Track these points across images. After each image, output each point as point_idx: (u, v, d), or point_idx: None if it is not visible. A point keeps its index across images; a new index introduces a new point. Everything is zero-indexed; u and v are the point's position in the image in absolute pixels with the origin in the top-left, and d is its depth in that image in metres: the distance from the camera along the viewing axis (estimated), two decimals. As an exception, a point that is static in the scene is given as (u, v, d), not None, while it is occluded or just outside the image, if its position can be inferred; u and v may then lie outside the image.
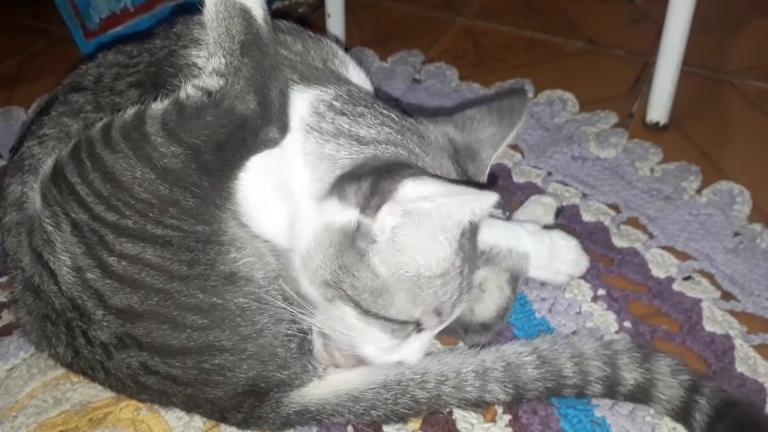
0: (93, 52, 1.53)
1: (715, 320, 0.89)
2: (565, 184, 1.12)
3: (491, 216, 0.97)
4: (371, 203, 0.64)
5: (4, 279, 1.06)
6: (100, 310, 0.70)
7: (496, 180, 1.12)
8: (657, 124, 1.21)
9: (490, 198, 0.62)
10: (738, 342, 0.86)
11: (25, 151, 0.80)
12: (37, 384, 0.89)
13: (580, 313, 0.92)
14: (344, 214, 0.66)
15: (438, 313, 0.70)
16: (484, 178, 0.78)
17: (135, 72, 0.79)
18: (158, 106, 0.68)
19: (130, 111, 0.69)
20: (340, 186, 0.67)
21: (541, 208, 1.03)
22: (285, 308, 0.73)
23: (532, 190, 1.11)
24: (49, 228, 0.71)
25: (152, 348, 0.71)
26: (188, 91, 0.68)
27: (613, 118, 1.24)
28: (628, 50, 1.43)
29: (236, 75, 0.67)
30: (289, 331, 0.74)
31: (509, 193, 1.12)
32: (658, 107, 1.20)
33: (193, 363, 0.71)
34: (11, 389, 0.89)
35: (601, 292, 0.94)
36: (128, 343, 0.71)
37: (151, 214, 0.67)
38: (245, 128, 0.67)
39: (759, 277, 0.94)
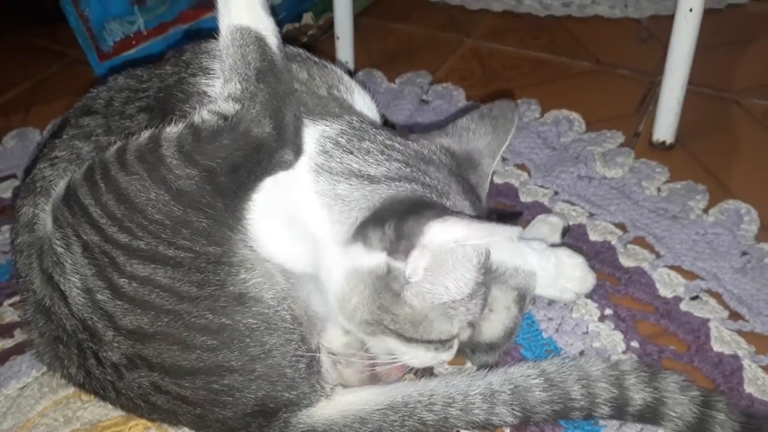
0: (106, 74, 1.57)
1: (723, 340, 0.89)
2: (572, 204, 1.13)
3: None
4: (399, 248, 0.66)
5: (16, 299, 1.07)
6: (111, 331, 0.71)
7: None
8: (663, 143, 1.21)
9: (515, 232, 0.66)
10: (746, 362, 0.86)
11: (36, 174, 0.81)
12: (48, 403, 0.90)
13: (587, 333, 0.92)
14: (372, 258, 0.68)
15: (471, 324, 0.75)
16: (486, 186, 0.80)
17: (145, 97, 0.80)
18: (173, 130, 0.70)
19: (145, 134, 0.71)
20: (363, 232, 0.68)
21: (548, 227, 1.03)
22: (294, 329, 0.74)
23: (539, 209, 1.12)
24: (60, 250, 0.72)
25: (162, 368, 0.71)
26: (204, 115, 0.69)
27: (620, 138, 1.25)
28: (635, 70, 1.44)
29: (252, 100, 0.69)
30: (298, 352, 0.74)
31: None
32: (665, 126, 1.20)
33: (202, 383, 0.72)
34: (23, 408, 0.90)
35: (608, 311, 0.94)
36: (138, 363, 0.72)
37: (163, 236, 0.68)
38: (261, 151, 0.69)
39: (767, 297, 0.93)
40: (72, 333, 0.74)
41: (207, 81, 0.75)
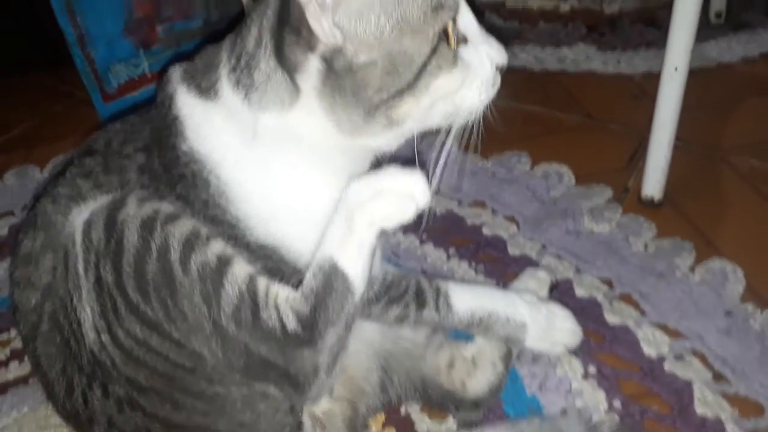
0: (110, 115, 1.61)
1: (707, 402, 0.88)
2: (560, 258, 1.13)
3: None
4: (308, 37, 0.64)
5: (4, 336, 1.08)
6: (115, 372, 0.71)
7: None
8: (652, 199, 1.23)
9: None
10: (729, 426, 0.85)
11: (38, 208, 0.82)
12: (27, 445, 0.90)
13: (570, 391, 0.91)
14: (310, 74, 0.66)
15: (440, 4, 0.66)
16: None
17: (140, 138, 0.82)
18: (241, 275, 0.67)
19: (214, 248, 0.68)
20: (284, 64, 0.67)
21: (535, 282, 1.04)
22: (285, 397, 0.74)
23: (526, 262, 1.13)
24: (81, 272, 0.70)
25: (155, 417, 0.72)
26: (270, 307, 0.68)
27: (608, 193, 1.26)
28: (626, 125, 1.46)
29: (312, 345, 0.68)
30: (285, 420, 0.75)
31: (504, 265, 1.13)
32: (653, 183, 1.22)
33: None
34: (1, 450, 0.90)
35: (591, 369, 0.94)
36: (136, 405, 0.72)
37: (178, 323, 0.67)
38: (294, 378, 0.70)
39: (751, 359, 0.93)
40: (87, 362, 0.73)
41: (173, 104, 0.75)
